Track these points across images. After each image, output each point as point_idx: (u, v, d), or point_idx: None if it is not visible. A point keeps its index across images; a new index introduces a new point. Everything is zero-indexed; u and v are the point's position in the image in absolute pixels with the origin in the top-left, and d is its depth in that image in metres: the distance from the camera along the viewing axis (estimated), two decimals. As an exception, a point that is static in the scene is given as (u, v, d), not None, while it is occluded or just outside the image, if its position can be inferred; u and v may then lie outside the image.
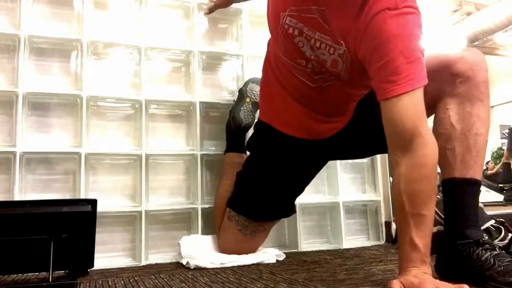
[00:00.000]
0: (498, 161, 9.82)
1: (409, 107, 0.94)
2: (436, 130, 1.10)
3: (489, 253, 0.96)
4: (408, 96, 0.94)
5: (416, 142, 0.94)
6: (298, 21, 1.14)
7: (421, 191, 0.93)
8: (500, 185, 6.86)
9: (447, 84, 1.08)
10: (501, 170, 7.21)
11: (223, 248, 1.44)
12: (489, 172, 7.17)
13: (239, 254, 1.42)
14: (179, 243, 1.45)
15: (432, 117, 1.15)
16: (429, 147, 0.95)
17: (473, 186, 1.06)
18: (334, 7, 1.06)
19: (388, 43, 0.95)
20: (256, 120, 1.55)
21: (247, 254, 1.43)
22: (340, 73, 1.13)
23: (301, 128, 1.33)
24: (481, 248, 0.98)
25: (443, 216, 1.43)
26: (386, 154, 1.97)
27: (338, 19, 1.06)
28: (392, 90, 0.94)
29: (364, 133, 1.30)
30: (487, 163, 7.59)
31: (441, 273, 1.06)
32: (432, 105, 1.11)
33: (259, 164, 1.42)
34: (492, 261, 0.94)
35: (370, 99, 1.23)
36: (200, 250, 1.42)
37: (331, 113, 1.30)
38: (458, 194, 1.06)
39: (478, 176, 1.07)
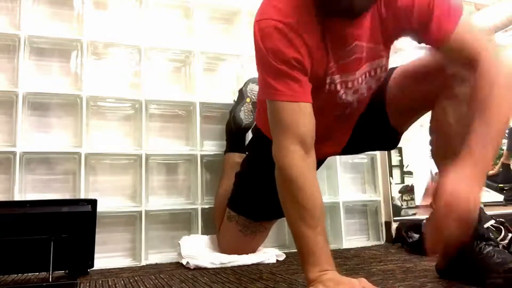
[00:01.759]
0: (497, 161, 9.83)
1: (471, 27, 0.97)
2: (434, 131, 1.11)
3: (491, 248, 0.98)
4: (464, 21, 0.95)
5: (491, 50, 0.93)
6: (341, 73, 1.06)
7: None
8: (500, 185, 6.87)
9: (443, 85, 1.08)
10: (501, 170, 7.22)
11: (223, 248, 1.44)
12: (489, 172, 7.16)
13: (239, 254, 1.42)
14: (179, 243, 1.45)
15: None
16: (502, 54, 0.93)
17: None
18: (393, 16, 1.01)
19: None
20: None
21: (247, 254, 1.43)
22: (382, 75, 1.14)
23: None
24: (484, 242, 0.99)
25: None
26: (386, 154, 1.98)
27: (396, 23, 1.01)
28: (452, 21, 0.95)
29: (360, 135, 1.31)
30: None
31: (441, 271, 1.07)
32: (428, 105, 1.12)
33: (256, 165, 1.42)
34: (492, 254, 0.96)
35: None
36: (200, 250, 1.42)
37: (340, 133, 1.28)
38: None
39: None
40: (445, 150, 1.08)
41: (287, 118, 0.95)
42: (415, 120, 1.25)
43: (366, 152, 1.88)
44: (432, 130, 1.12)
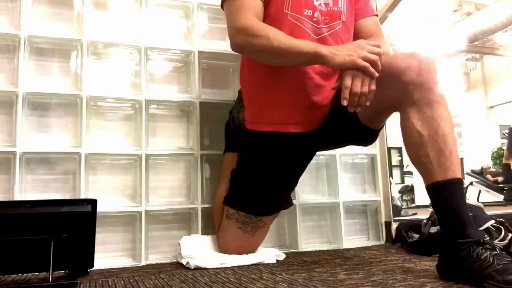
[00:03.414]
0: (498, 161, 9.85)
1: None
2: (406, 140, 1.15)
3: (488, 252, 0.97)
4: None
5: None
6: None
7: None
8: (500, 185, 6.88)
9: (401, 92, 1.12)
10: (501, 170, 7.24)
11: (223, 247, 1.45)
12: (491, 178, 7.17)
13: (239, 253, 1.42)
14: (179, 243, 1.45)
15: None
16: None
17: (457, 185, 1.08)
18: None
19: None
20: None
21: (247, 253, 1.43)
22: (340, 10, 1.36)
23: (293, 113, 1.35)
24: (481, 247, 0.98)
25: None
26: (386, 155, 1.97)
27: None
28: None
29: (334, 128, 1.36)
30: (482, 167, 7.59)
31: (441, 271, 1.07)
32: (393, 107, 1.21)
33: (252, 161, 1.44)
34: (491, 260, 0.95)
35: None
36: (200, 250, 1.42)
37: (324, 70, 1.33)
38: (446, 196, 1.08)
39: (458, 174, 1.09)
40: (418, 156, 1.12)
41: (245, 3, 1.26)
42: (385, 119, 1.33)
43: (366, 152, 1.88)
44: (403, 139, 1.16)
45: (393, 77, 1.12)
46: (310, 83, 1.33)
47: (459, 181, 1.08)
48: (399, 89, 1.12)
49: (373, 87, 1.10)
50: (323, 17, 1.34)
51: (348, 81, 1.09)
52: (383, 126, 1.38)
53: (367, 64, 1.09)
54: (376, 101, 1.14)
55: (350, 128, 1.32)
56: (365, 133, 1.33)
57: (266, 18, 1.34)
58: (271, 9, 1.33)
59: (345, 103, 1.10)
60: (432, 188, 1.09)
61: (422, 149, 1.10)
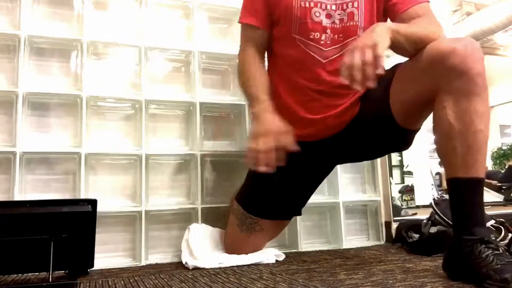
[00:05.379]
0: (498, 161, 9.85)
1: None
2: (435, 130, 1.11)
3: (490, 251, 0.97)
4: None
5: None
6: None
7: None
8: (498, 184, 6.89)
9: (441, 79, 1.06)
10: (502, 170, 7.24)
11: (225, 242, 1.46)
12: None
13: (232, 250, 1.43)
14: (188, 228, 1.46)
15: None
16: None
17: (476, 185, 1.07)
18: None
19: None
20: None
21: (239, 253, 1.42)
22: (357, 25, 1.28)
23: (305, 125, 1.33)
24: (484, 245, 0.99)
25: (445, 219, 1.45)
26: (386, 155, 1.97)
27: None
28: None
29: (370, 141, 1.32)
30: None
31: (447, 268, 1.07)
32: (430, 100, 1.11)
33: None
34: (491, 259, 0.95)
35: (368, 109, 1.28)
36: (205, 245, 1.42)
37: (338, 91, 1.29)
38: (463, 193, 1.07)
39: (481, 173, 1.07)
40: (446, 148, 1.08)
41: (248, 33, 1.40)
42: (424, 116, 1.25)
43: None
44: (433, 128, 1.12)
45: (434, 61, 1.05)
46: (307, 97, 1.32)
47: (480, 181, 1.07)
48: (439, 75, 1.05)
49: (379, 51, 0.99)
50: (336, 36, 1.28)
51: (346, 58, 1.01)
52: (420, 127, 1.30)
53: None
54: (413, 92, 1.11)
55: (387, 137, 1.28)
56: (402, 137, 1.29)
57: (277, 41, 1.36)
58: (281, 31, 1.33)
59: (345, 81, 1.00)
60: (452, 183, 1.09)
61: (451, 142, 1.06)
